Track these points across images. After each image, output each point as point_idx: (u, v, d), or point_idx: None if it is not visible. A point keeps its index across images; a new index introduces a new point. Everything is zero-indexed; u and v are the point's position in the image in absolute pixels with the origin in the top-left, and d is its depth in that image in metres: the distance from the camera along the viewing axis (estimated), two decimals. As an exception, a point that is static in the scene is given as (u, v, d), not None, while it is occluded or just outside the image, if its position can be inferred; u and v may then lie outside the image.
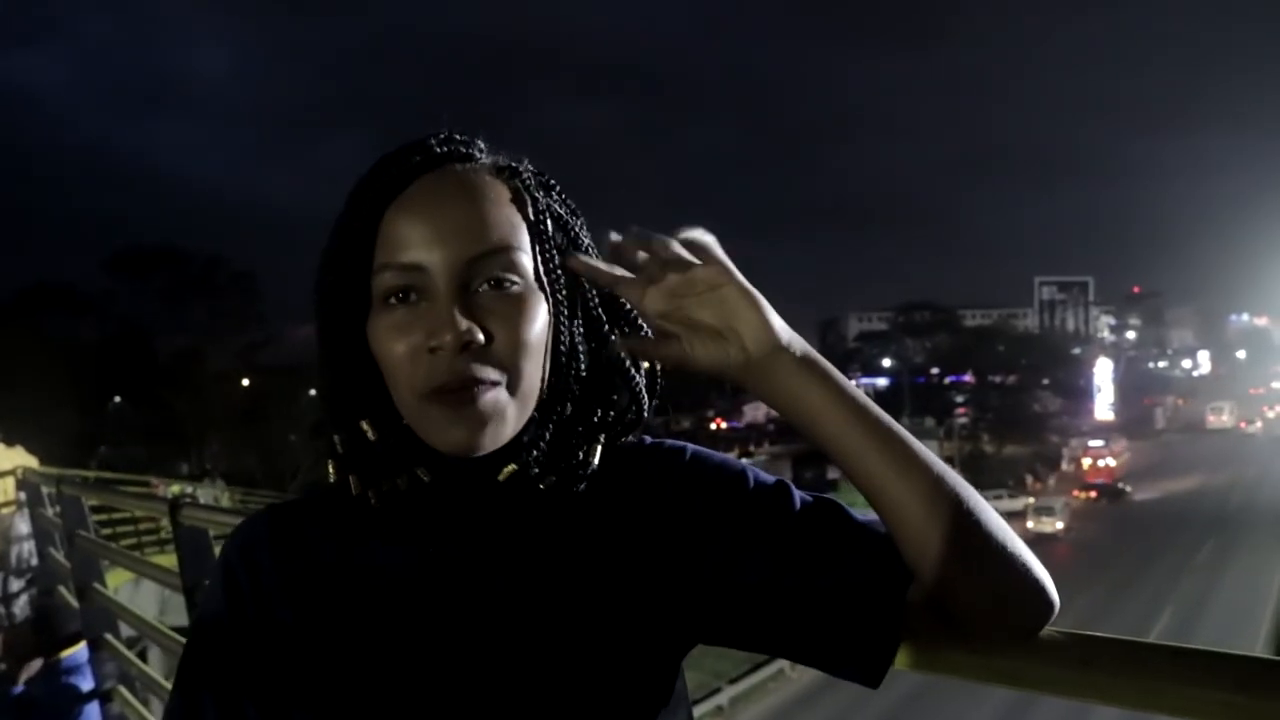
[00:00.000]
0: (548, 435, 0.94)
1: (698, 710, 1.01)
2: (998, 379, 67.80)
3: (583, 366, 0.97)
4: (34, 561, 7.06)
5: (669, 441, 1.03)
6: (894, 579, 0.90)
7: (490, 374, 0.89)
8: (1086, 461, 62.22)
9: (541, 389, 0.94)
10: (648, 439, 1.03)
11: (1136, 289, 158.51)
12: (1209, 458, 68.20)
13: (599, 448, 0.97)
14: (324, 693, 0.92)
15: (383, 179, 0.92)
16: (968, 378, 67.69)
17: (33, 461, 9.42)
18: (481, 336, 0.88)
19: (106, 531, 10.84)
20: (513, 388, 0.90)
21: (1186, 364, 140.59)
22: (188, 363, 42.56)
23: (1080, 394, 78.54)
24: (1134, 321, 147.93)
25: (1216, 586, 33.94)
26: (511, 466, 0.93)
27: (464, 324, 0.87)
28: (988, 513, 0.86)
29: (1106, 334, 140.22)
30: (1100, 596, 31.39)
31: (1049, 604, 0.89)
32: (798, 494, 0.96)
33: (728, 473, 0.98)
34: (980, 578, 0.86)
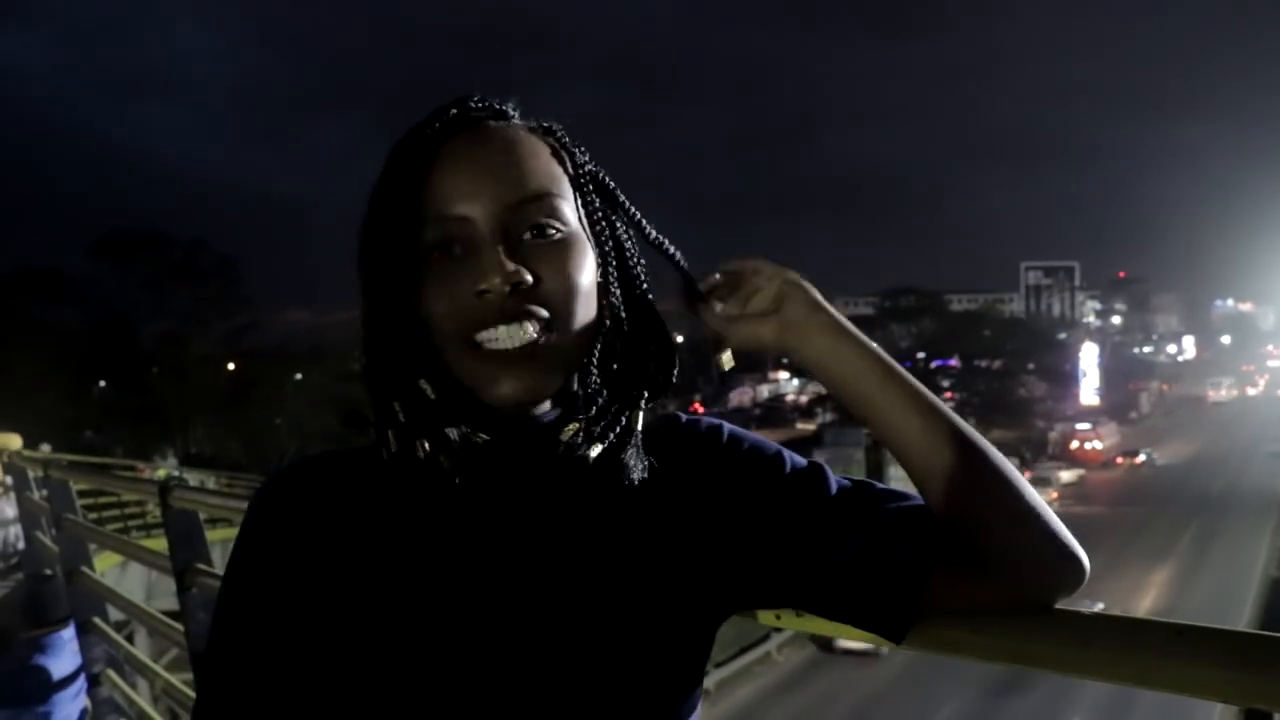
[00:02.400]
0: (604, 393, 0.95)
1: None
2: (984, 364, 67.90)
3: (624, 322, 0.98)
4: (20, 545, 7.04)
5: (705, 419, 1.05)
6: (921, 541, 0.93)
7: (540, 313, 0.89)
8: (1074, 444, 63.46)
9: (590, 341, 0.95)
10: (683, 416, 1.05)
11: (1122, 274, 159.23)
12: (1216, 421, 71.14)
13: (640, 413, 0.97)
14: (375, 658, 0.90)
15: (420, 140, 0.92)
16: (954, 362, 67.81)
17: (12, 441, 9.31)
18: (529, 277, 0.89)
19: (93, 516, 10.80)
20: (563, 332, 0.91)
21: (1171, 349, 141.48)
22: (172, 347, 42.39)
23: (1066, 379, 78.79)
24: (1119, 307, 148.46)
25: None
26: (574, 425, 0.94)
27: (510, 265, 0.88)
28: (1017, 475, 0.91)
29: (1092, 319, 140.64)
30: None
31: (1082, 568, 0.92)
32: (832, 476, 1.00)
33: (766, 454, 1.02)
34: (1017, 534, 0.90)
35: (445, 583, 0.91)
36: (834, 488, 0.98)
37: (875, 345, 0.98)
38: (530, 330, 0.89)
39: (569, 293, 0.91)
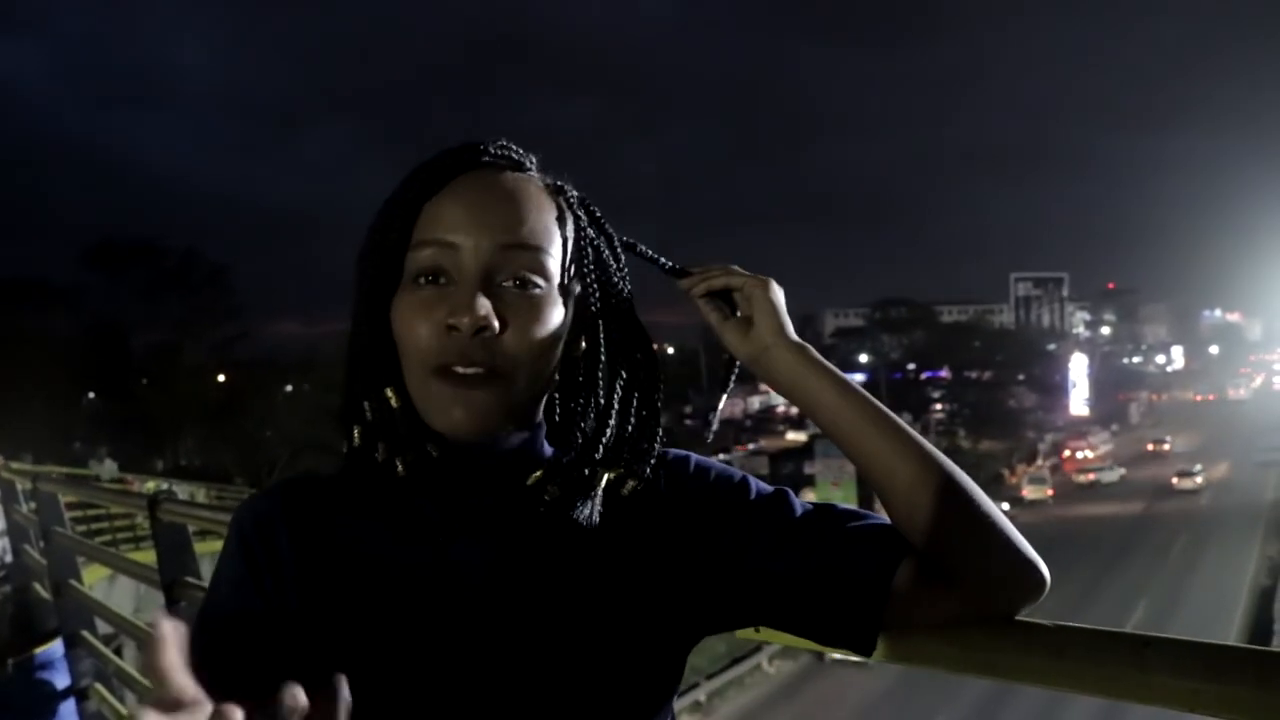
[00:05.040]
0: (573, 452, 0.99)
1: (675, 705, 1.05)
2: (974, 375, 68.04)
3: (599, 389, 1.02)
4: (8, 558, 7.01)
5: (673, 451, 1.07)
6: (881, 553, 0.95)
7: (497, 362, 0.92)
8: (1066, 453, 65.81)
9: (539, 397, 0.99)
10: None
11: (1111, 285, 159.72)
12: (1204, 430, 72.58)
13: (604, 475, 0.99)
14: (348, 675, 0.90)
15: (433, 167, 0.97)
16: (944, 373, 67.95)
17: None
18: (497, 325, 0.92)
19: (81, 529, 10.77)
20: (517, 382, 0.94)
21: (1160, 359, 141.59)
22: (163, 358, 42.28)
23: (1055, 389, 78.92)
24: (1109, 317, 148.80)
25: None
26: (539, 473, 0.97)
27: (483, 308, 0.91)
28: (977, 490, 0.94)
29: (1081, 330, 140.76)
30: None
31: (1041, 577, 0.94)
32: (796, 500, 1.02)
33: (731, 482, 1.05)
34: (975, 544, 0.93)
35: (412, 609, 0.93)
36: (798, 511, 1.01)
37: (837, 371, 1.03)
38: (483, 379, 0.92)
39: (529, 349, 0.94)
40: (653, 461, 1.03)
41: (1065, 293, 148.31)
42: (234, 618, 0.97)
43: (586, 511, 0.97)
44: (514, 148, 1.00)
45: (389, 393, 0.96)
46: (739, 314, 1.09)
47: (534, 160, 1.02)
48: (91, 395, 43.43)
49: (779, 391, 1.06)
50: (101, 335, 41.92)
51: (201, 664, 0.93)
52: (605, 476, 0.99)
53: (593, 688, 0.94)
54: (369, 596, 0.94)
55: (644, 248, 1.10)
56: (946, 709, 22.25)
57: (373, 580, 0.95)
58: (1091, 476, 55.58)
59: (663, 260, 1.11)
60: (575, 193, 1.03)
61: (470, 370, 0.92)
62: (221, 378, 44.36)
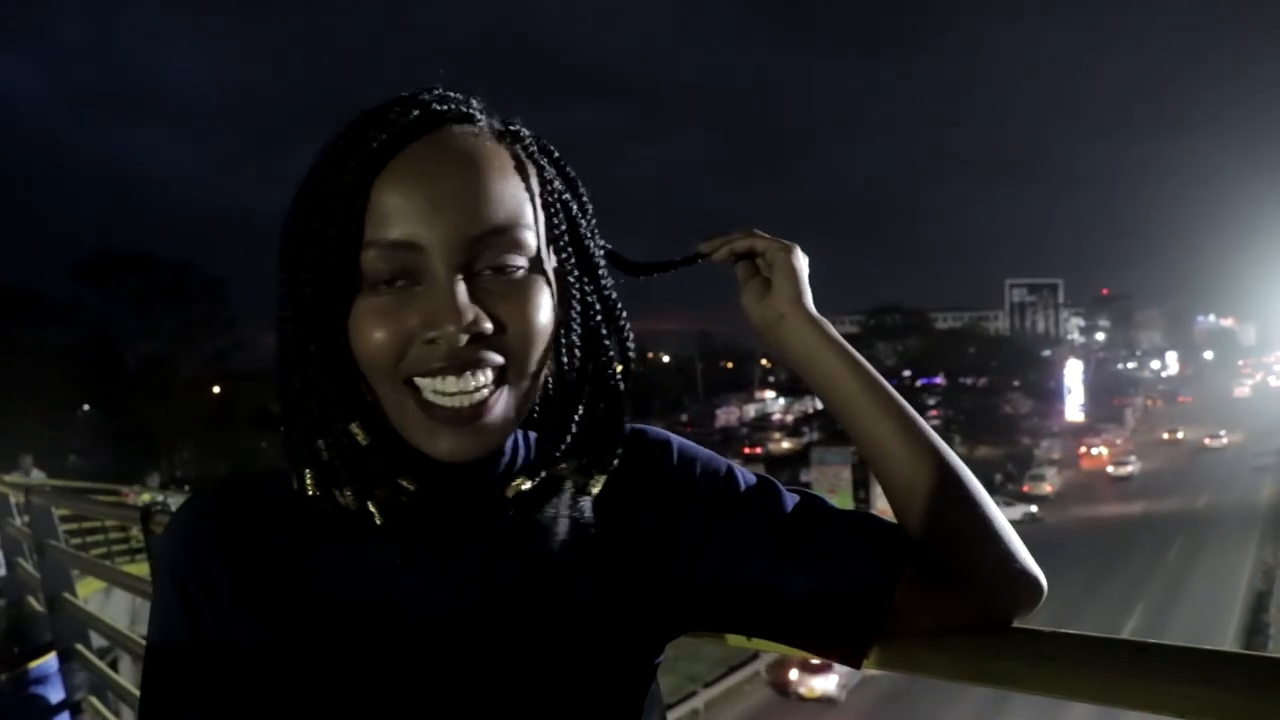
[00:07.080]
0: (558, 451, 0.89)
1: (673, 715, 1.02)
2: (969, 381, 67.84)
3: (583, 371, 0.90)
4: (1, 572, 6.98)
5: (652, 431, 1.00)
6: (883, 564, 0.92)
7: (496, 360, 0.81)
8: (1082, 449, 67.96)
9: (537, 389, 0.88)
10: (628, 426, 0.98)
11: (1105, 291, 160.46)
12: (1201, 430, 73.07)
13: (588, 478, 0.92)
14: (298, 707, 0.84)
15: (370, 141, 0.80)
16: (939, 380, 67.75)
17: None
18: (489, 325, 0.80)
19: (76, 541, 10.73)
20: (516, 383, 0.83)
21: (1155, 365, 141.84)
22: (158, 369, 42.21)
23: (1051, 395, 78.81)
24: (1103, 323, 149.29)
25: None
26: (523, 483, 0.88)
27: (470, 311, 0.78)
28: (983, 492, 0.93)
29: (1076, 335, 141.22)
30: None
31: (1040, 586, 0.94)
32: (785, 492, 0.98)
33: (718, 473, 0.99)
34: (980, 546, 0.91)
35: (374, 622, 0.85)
36: (789, 506, 0.96)
37: (856, 353, 0.99)
38: (482, 380, 0.81)
39: (529, 340, 0.83)
40: (619, 452, 0.92)
41: (1060, 299, 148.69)
42: (176, 660, 0.86)
43: (555, 512, 0.90)
44: (454, 95, 0.85)
45: (355, 429, 0.82)
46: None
47: (478, 104, 0.86)
48: (86, 407, 43.32)
49: (789, 364, 1.02)
50: (96, 347, 41.81)
51: (153, 710, 0.88)
52: (574, 474, 0.91)
53: (572, 697, 0.88)
54: (321, 620, 0.84)
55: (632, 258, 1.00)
56: (947, 713, 22.20)
57: (323, 601, 0.85)
58: (1130, 469, 58.29)
59: (675, 259, 1.05)
60: (529, 134, 0.89)
61: (465, 398, 0.80)
62: (217, 389, 44.27)
